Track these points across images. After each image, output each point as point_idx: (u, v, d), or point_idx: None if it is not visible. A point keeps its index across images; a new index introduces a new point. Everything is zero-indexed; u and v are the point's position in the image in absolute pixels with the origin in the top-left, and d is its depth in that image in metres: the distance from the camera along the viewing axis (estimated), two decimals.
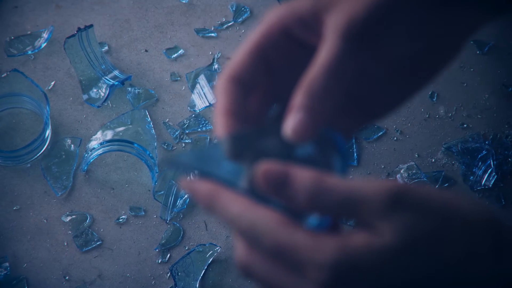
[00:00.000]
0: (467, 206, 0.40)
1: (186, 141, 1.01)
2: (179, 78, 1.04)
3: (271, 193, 0.42)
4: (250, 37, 0.47)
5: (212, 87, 1.01)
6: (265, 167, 0.42)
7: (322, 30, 0.45)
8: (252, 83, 0.47)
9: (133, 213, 0.97)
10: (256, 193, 0.42)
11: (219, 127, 0.46)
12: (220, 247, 0.95)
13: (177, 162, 0.45)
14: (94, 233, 0.96)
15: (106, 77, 1.01)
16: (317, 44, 0.45)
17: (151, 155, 0.97)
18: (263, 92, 0.48)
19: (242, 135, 0.45)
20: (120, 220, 0.97)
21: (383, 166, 1.00)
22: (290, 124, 0.44)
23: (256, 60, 0.47)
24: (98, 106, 1.01)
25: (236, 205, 0.42)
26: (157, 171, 0.97)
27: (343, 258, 0.39)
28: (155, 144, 0.99)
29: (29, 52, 1.03)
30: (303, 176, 0.41)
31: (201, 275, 0.94)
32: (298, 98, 0.44)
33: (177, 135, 1.01)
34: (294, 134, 0.44)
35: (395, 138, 1.02)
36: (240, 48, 0.47)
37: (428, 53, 0.46)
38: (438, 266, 0.39)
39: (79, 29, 0.99)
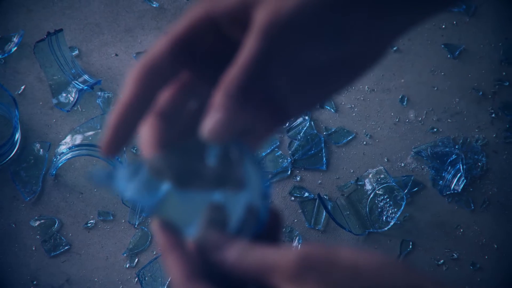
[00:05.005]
0: (375, 263, 0.40)
1: None
2: None
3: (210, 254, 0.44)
4: (173, 28, 0.45)
5: None
6: (209, 238, 0.44)
7: (250, 25, 0.44)
8: (169, 75, 0.46)
9: (101, 218, 0.97)
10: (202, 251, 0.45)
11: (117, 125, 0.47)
12: None
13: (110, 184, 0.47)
14: (62, 238, 0.96)
15: (76, 81, 1.01)
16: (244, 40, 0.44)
17: (120, 159, 0.97)
18: (185, 85, 0.47)
19: (162, 155, 0.46)
20: (89, 224, 0.97)
21: (352, 171, 1.00)
22: (208, 124, 0.43)
23: (177, 51, 0.45)
24: (68, 111, 1.01)
25: (175, 272, 0.44)
26: None
27: None
28: (124, 148, 0.99)
29: None
30: (234, 246, 0.44)
31: (169, 279, 0.94)
32: (217, 98, 0.43)
33: None
34: (211, 134, 0.43)
35: (364, 143, 1.02)
36: (160, 39, 0.46)
37: (351, 57, 0.45)
38: None
39: (49, 33, 0.99)
